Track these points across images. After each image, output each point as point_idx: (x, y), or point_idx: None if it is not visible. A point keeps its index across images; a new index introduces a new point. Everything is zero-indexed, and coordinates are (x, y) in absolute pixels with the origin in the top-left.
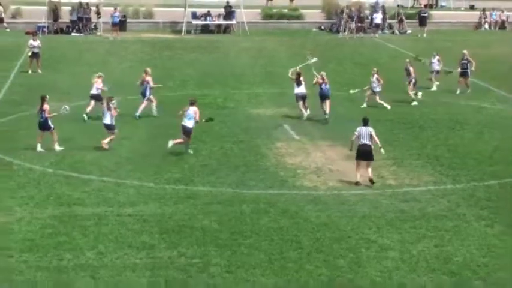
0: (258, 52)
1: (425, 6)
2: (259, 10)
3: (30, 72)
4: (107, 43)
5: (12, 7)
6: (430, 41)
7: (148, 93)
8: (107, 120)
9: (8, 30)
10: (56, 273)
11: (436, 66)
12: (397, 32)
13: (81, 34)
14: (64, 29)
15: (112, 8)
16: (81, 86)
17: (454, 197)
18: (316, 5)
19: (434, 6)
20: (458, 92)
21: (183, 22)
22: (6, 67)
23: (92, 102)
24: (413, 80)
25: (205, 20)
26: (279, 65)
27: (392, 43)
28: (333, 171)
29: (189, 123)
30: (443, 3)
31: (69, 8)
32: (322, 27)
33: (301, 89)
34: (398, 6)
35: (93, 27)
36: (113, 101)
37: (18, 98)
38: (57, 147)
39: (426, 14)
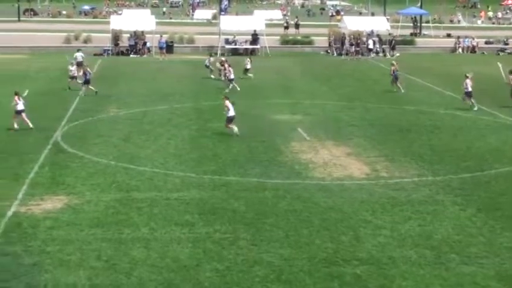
0: (277, 70)
1: (411, 34)
2: (278, 37)
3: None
4: (157, 63)
5: (84, 34)
6: (412, 62)
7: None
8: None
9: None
10: (116, 244)
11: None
12: (388, 54)
13: (137, 56)
14: (124, 51)
15: (159, 36)
16: (136, 95)
17: (433, 186)
18: (323, 33)
19: (418, 34)
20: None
21: (217, 46)
22: (80, 81)
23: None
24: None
25: (235, 44)
26: (294, 80)
27: (383, 63)
28: (337, 165)
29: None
30: (426, 32)
31: (128, 35)
32: (328, 51)
33: None
34: (389, 34)
35: (146, 50)
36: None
37: (87, 105)
38: None
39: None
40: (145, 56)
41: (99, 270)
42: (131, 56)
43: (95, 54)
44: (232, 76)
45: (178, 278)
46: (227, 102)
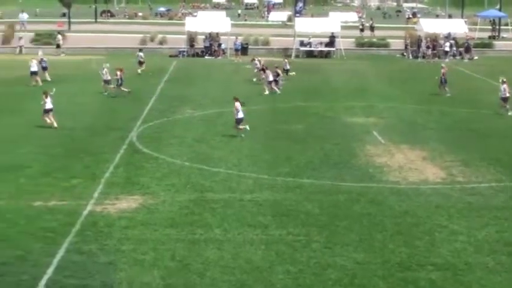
0: (352, 73)
1: (490, 37)
2: (353, 39)
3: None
4: (231, 64)
5: (160, 36)
6: (491, 65)
7: None
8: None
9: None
10: (190, 244)
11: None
12: (465, 58)
13: (212, 57)
14: (199, 53)
15: (234, 37)
16: (210, 97)
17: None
18: (398, 35)
19: (497, 37)
20: None
21: (292, 48)
22: (155, 82)
23: None
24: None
25: (310, 46)
26: (369, 83)
27: (461, 66)
28: (412, 169)
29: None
30: (505, 35)
31: (203, 36)
32: (404, 54)
33: None
34: (466, 37)
35: (221, 52)
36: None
37: (163, 106)
38: None
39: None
40: (220, 57)
41: (173, 270)
42: (206, 57)
43: (170, 56)
44: (270, 78)
45: (250, 279)
46: (237, 104)
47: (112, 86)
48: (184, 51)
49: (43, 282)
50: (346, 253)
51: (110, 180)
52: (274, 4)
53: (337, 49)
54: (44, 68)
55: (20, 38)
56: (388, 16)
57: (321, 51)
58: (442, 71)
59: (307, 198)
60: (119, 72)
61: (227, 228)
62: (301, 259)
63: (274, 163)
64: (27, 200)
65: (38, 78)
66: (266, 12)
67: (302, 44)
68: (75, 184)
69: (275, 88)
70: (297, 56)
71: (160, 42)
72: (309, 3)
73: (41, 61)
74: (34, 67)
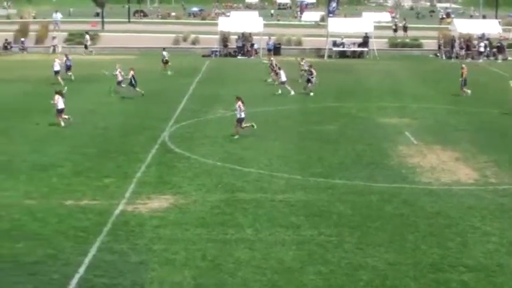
0: (385, 73)
1: None
2: (386, 39)
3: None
4: (263, 65)
5: (193, 35)
6: None
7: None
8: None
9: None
10: (221, 244)
11: None
12: (499, 59)
13: (245, 57)
14: (232, 53)
15: (267, 37)
16: (242, 97)
17: None
18: (432, 35)
19: None
20: None
21: (325, 48)
22: (187, 82)
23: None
24: None
25: (343, 47)
26: (402, 83)
27: (495, 67)
28: (445, 170)
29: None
30: None
31: (235, 36)
32: (437, 54)
33: None
34: (500, 37)
35: (254, 52)
36: None
37: (195, 106)
38: None
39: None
40: (252, 57)
41: (203, 270)
42: (239, 57)
43: (203, 56)
44: (283, 79)
45: (282, 279)
46: (239, 103)
47: (124, 86)
48: (216, 51)
49: (74, 281)
50: (378, 254)
51: (142, 180)
52: (307, 4)
53: (370, 49)
54: (68, 67)
55: (54, 38)
56: (422, 16)
57: (354, 51)
58: (463, 71)
59: (339, 198)
60: (132, 72)
61: (258, 228)
62: (333, 260)
63: (306, 163)
64: (59, 199)
65: (59, 78)
66: (299, 12)
67: (335, 44)
68: (107, 183)
69: (309, 87)
70: (329, 57)
71: (193, 42)
72: (342, 4)
73: (65, 60)
74: (57, 66)
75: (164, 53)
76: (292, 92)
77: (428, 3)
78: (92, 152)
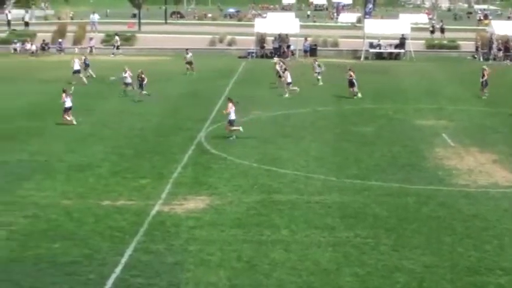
0: (422, 75)
1: None
2: (423, 41)
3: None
4: (300, 66)
5: (229, 37)
6: None
7: None
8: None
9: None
10: (257, 245)
11: None
12: None
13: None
14: (268, 54)
15: (303, 38)
16: (278, 98)
17: None
18: (469, 37)
19: None
20: None
21: (362, 50)
22: (224, 83)
23: None
24: None
25: (379, 48)
26: (439, 85)
27: None
28: (482, 172)
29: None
30: None
31: (272, 37)
32: (475, 56)
33: None
34: None
35: (290, 53)
36: None
37: None
38: None
39: None
40: (288, 58)
41: (239, 271)
42: (275, 59)
43: (239, 57)
44: (289, 80)
45: (318, 281)
46: (230, 105)
47: (131, 88)
48: (253, 53)
49: (111, 281)
50: (415, 256)
51: (178, 181)
52: (344, 5)
53: (406, 51)
54: (87, 65)
55: (91, 39)
56: (459, 18)
57: (391, 53)
58: (484, 72)
59: (375, 200)
60: (142, 75)
61: (294, 229)
62: (369, 262)
63: (343, 165)
64: (95, 199)
65: (82, 76)
66: (335, 14)
67: (371, 45)
68: (144, 184)
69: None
70: (366, 58)
71: (229, 44)
72: (379, 5)
73: (84, 59)
74: (76, 66)
75: (187, 55)
76: (287, 95)
77: (466, 5)
78: (128, 153)
